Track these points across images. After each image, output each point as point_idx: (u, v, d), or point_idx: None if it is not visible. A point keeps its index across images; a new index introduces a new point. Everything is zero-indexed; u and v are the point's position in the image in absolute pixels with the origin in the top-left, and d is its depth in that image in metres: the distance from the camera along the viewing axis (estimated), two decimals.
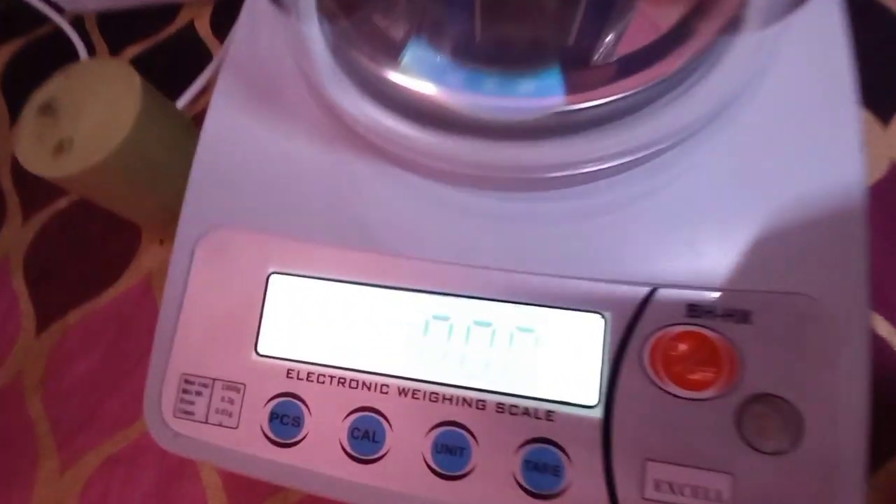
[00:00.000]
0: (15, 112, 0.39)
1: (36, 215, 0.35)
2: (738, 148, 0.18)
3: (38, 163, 0.24)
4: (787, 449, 0.16)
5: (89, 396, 0.29)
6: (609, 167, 0.17)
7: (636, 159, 0.18)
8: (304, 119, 0.21)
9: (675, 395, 0.17)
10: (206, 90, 0.36)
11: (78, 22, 0.41)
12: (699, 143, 0.18)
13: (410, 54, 0.18)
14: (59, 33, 0.40)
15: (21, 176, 0.37)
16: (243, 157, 0.21)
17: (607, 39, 0.17)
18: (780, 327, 0.17)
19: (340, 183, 0.20)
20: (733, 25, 0.17)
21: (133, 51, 0.39)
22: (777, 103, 0.18)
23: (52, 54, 0.40)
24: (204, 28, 0.39)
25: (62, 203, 0.35)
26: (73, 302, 0.32)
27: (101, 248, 0.33)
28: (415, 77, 0.17)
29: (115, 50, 0.40)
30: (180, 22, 0.39)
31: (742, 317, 0.17)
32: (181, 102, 0.35)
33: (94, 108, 0.24)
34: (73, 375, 0.30)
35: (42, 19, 0.41)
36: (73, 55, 0.39)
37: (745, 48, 0.17)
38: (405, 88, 0.17)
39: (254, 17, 0.23)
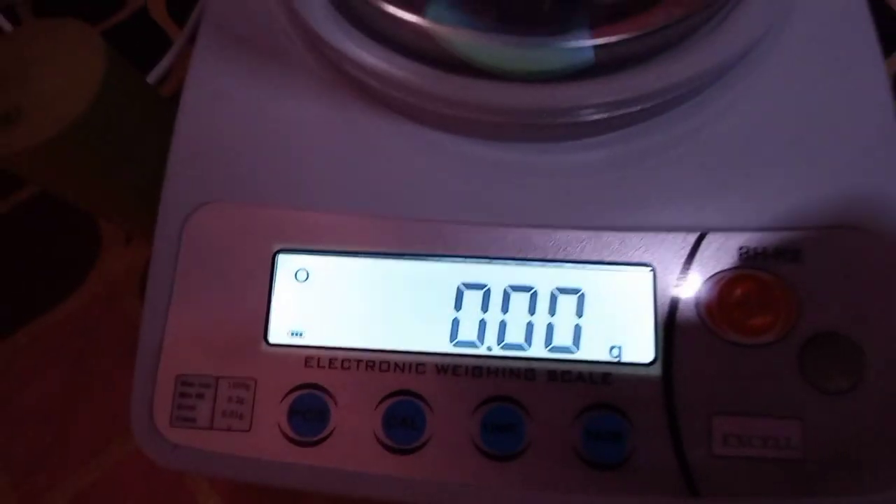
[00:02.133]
0: None
1: None
2: (771, 87, 0.18)
3: None
4: (851, 387, 0.16)
5: (47, 424, 0.26)
6: (642, 109, 0.17)
7: (670, 100, 0.17)
8: (300, 72, 0.19)
9: (735, 343, 0.16)
10: (171, 73, 0.33)
11: (9, 11, 0.37)
12: (732, 83, 0.18)
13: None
14: None
15: None
16: (233, 121, 0.19)
17: None
18: (834, 263, 0.16)
19: (349, 142, 0.19)
20: None
21: None
22: (805, 41, 0.18)
23: None
24: (159, 12, 0.36)
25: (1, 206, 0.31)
26: (22, 317, 0.28)
27: (53, 252, 0.30)
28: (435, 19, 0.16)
29: None
30: (131, 7, 0.36)
31: (794, 255, 0.17)
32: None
33: (47, 74, 0.21)
34: (25, 403, 0.26)
35: None
36: None
37: None
38: (422, 27, 0.16)
39: None
